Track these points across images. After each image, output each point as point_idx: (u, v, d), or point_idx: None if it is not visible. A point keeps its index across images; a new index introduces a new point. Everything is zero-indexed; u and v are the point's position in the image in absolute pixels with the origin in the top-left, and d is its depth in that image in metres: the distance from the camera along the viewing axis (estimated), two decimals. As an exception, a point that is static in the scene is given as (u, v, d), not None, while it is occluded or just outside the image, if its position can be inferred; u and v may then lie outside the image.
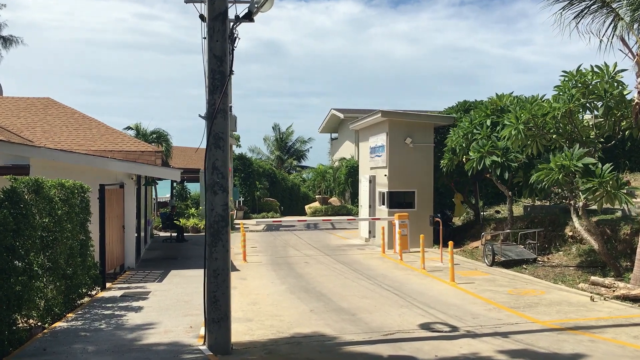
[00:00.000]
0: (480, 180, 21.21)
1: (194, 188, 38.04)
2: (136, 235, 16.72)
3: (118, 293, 12.10)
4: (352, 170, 38.73)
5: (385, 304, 10.85)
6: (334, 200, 40.64)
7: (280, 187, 44.40)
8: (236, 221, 30.02)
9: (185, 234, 23.96)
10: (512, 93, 17.06)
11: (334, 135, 48.90)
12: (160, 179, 23.77)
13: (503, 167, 15.73)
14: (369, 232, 22.35)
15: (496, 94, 17.05)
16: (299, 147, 58.21)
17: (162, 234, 25.99)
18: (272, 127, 58.36)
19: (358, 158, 38.40)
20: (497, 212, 25.24)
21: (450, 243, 13.51)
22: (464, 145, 17.23)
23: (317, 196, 42.38)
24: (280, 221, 25.40)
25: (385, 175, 20.15)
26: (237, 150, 38.53)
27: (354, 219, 21.85)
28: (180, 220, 25.69)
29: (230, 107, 33.05)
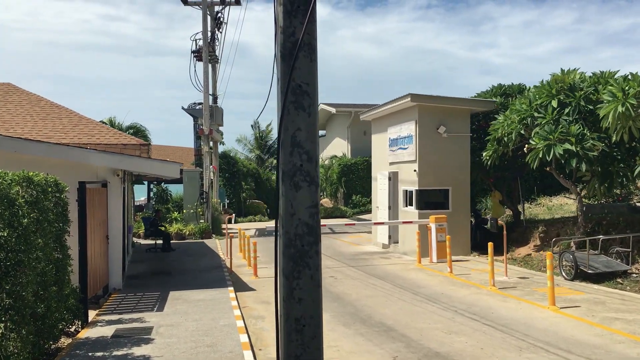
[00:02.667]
0: (521, 175, 18.36)
1: (175, 190, 34.47)
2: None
3: (108, 330, 8.76)
4: (346, 169, 35.75)
5: (492, 345, 7.75)
6: (326, 202, 37.52)
7: (264, 188, 41.10)
8: (222, 225, 26.72)
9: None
10: (578, 69, 14.15)
11: (321, 132, 45.75)
12: (149, 177, 20.19)
13: (579, 158, 12.79)
14: (389, 237, 19.28)
15: (561, 69, 14.13)
16: (280, 146, 54.84)
17: (143, 241, 22.53)
18: (251, 126, 55.03)
19: (349, 153, 35.24)
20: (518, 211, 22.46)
21: (549, 256, 10.32)
22: (522, 132, 14.28)
23: (307, 197, 39.15)
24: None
25: (415, 170, 17.08)
26: (220, 148, 35.02)
27: (378, 222, 18.72)
28: (166, 226, 22.24)
29: (216, 97, 29.38)
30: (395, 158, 18.70)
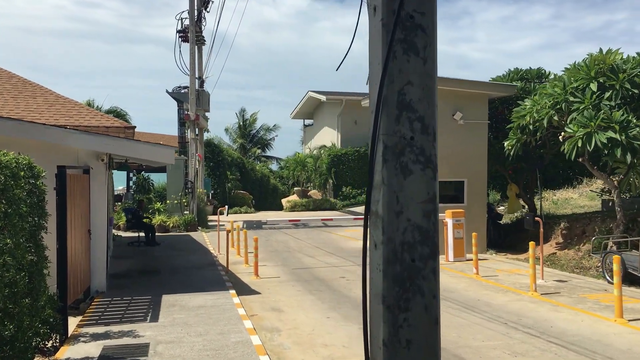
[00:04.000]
0: (541, 167, 17.01)
1: (157, 179, 32.62)
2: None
3: (94, 349, 7.12)
4: (336, 160, 34.22)
5: (576, 371, 6.31)
6: (314, 193, 35.97)
7: (249, 178, 39.36)
8: (214, 217, 25.03)
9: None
10: (619, 49, 12.77)
11: (308, 121, 44.10)
12: (134, 164, 18.31)
13: (624, 148, 11.42)
14: (394, 232, 17.79)
15: (600, 49, 12.73)
16: (263, 136, 53.29)
17: (124, 234, 20.77)
18: (237, 113, 53.35)
19: (339, 143, 33.54)
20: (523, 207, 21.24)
21: (616, 260, 8.87)
22: (555, 118, 12.88)
23: (295, 188, 37.62)
24: (299, 220, 20.73)
25: (428, 160, 15.59)
26: (204, 136, 33.17)
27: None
28: (150, 217, 20.50)
29: (203, 81, 27.46)
30: (403, 147, 17.19)
